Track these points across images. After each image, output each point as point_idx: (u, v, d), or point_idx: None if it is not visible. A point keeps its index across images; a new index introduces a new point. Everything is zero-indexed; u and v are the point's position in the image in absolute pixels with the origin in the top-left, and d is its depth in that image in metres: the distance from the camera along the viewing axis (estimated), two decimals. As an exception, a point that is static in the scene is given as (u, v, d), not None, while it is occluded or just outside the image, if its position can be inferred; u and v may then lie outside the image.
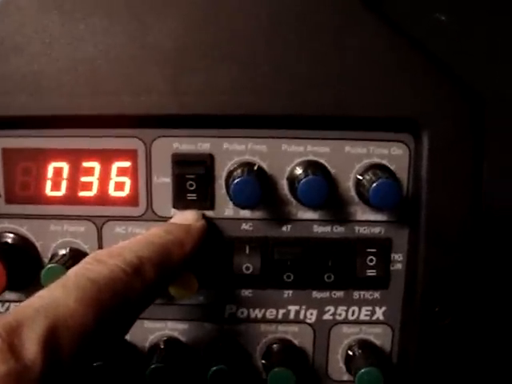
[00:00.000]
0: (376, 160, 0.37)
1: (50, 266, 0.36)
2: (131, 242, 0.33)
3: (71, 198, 0.38)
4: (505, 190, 0.47)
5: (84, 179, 0.38)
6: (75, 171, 0.38)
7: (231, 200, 0.35)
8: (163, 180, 0.38)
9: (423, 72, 0.36)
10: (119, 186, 0.38)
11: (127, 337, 0.40)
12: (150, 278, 0.31)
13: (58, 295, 0.26)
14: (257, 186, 0.34)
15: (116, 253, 0.31)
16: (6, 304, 0.40)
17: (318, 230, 0.38)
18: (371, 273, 0.38)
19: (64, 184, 0.38)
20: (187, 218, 0.37)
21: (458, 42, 0.60)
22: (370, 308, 0.40)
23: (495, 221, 0.47)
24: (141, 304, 0.31)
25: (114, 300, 0.28)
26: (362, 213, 0.38)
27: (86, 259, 0.31)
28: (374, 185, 0.34)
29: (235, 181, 0.34)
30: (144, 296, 0.31)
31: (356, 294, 0.39)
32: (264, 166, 0.37)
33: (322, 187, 0.35)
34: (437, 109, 0.36)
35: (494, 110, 0.57)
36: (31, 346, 0.23)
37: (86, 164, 0.38)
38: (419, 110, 0.36)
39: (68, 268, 0.36)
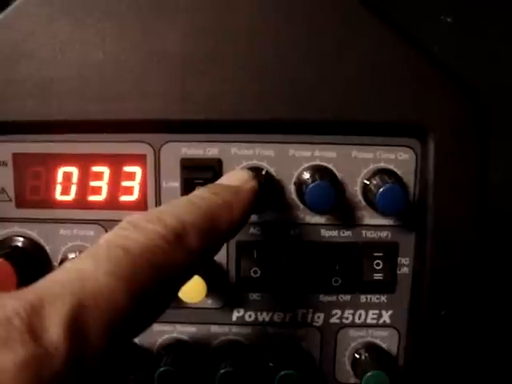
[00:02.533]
0: (383, 165, 0.37)
1: (60, 269, 0.37)
2: (172, 204, 0.29)
3: (81, 203, 0.39)
4: (511, 194, 0.48)
5: (93, 184, 0.39)
6: (84, 176, 0.39)
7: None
8: (172, 185, 0.38)
9: (429, 77, 0.36)
10: (128, 191, 0.39)
11: (136, 339, 0.41)
12: (193, 246, 0.26)
13: (87, 268, 0.23)
14: (265, 191, 0.35)
15: (155, 216, 0.27)
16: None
17: (326, 234, 0.38)
18: (378, 277, 0.39)
19: (73, 188, 0.39)
20: (236, 178, 0.34)
21: (464, 47, 0.60)
22: (376, 311, 0.40)
23: (502, 225, 0.48)
24: (182, 278, 0.27)
25: (152, 273, 0.24)
26: (369, 217, 0.38)
27: (121, 223, 0.27)
28: (381, 190, 0.35)
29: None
30: (186, 268, 0.26)
31: (363, 298, 0.40)
32: (272, 170, 0.38)
33: (329, 192, 0.35)
34: (442, 114, 0.36)
35: (499, 115, 0.58)
36: (54, 329, 0.20)
37: (95, 169, 0.38)
38: (425, 115, 0.36)
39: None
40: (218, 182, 0.34)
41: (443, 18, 0.69)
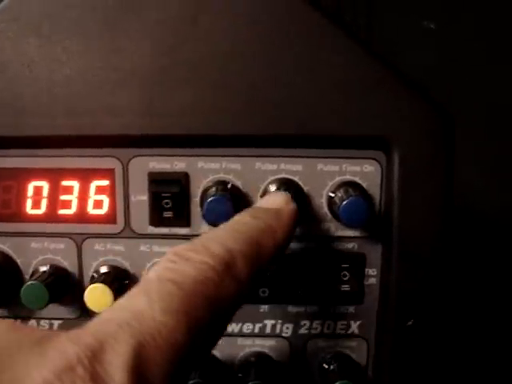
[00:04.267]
0: (348, 177, 0.38)
1: (29, 283, 0.37)
2: (216, 231, 0.29)
3: (51, 216, 0.39)
4: (476, 205, 0.48)
5: (63, 197, 0.39)
6: (55, 190, 0.39)
7: (204, 218, 0.36)
8: (140, 198, 0.39)
9: (393, 90, 0.36)
10: (98, 204, 0.39)
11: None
12: (242, 274, 0.26)
13: (142, 306, 0.22)
14: (229, 205, 0.35)
15: (201, 246, 0.26)
16: (-11, 320, 0.41)
17: (292, 245, 0.39)
18: (345, 288, 0.39)
19: (44, 202, 0.39)
20: (275, 201, 0.33)
21: (429, 60, 0.61)
22: (345, 322, 0.40)
23: (467, 236, 0.48)
24: (234, 307, 0.26)
25: (206, 307, 0.24)
26: (336, 229, 0.39)
27: (169, 256, 0.26)
28: (344, 203, 0.35)
29: (208, 200, 0.35)
30: (238, 298, 0.26)
31: (331, 309, 0.40)
32: (238, 184, 0.38)
33: (293, 205, 0.35)
34: (407, 127, 0.36)
35: (478, 121, 0.58)
36: (118, 376, 0.20)
37: (64, 183, 0.39)
38: (389, 128, 0.36)
39: (47, 286, 0.37)
40: (258, 204, 0.34)
41: (426, 24, 0.69)
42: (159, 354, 0.21)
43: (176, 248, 0.27)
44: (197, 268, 0.25)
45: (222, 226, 0.30)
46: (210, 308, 0.24)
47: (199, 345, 0.23)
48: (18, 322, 0.40)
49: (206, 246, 0.26)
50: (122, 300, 0.24)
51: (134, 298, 0.24)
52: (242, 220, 0.30)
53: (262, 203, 0.34)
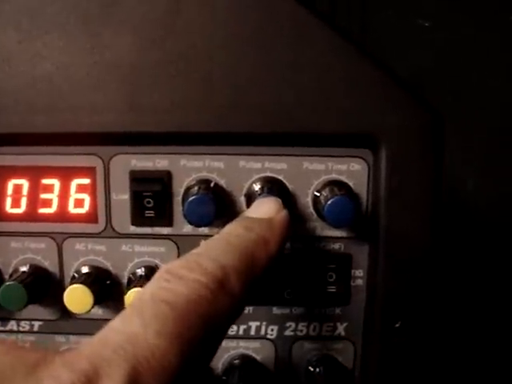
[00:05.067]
0: (334, 176, 0.37)
1: (7, 283, 0.36)
2: (208, 245, 0.29)
3: (31, 215, 0.38)
4: (466, 204, 0.48)
5: (44, 196, 0.38)
6: (35, 188, 0.38)
7: (185, 218, 0.35)
8: (122, 197, 0.38)
9: (381, 88, 0.35)
10: (79, 203, 0.38)
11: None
12: (235, 290, 0.26)
13: (136, 328, 0.22)
14: (211, 204, 0.34)
15: (194, 263, 0.26)
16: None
17: (277, 246, 0.38)
18: (331, 289, 0.38)
19: (24, 201, 0.38)
20: (266, 209, 0.32)
21: (421, 59, 0.60)
22: (331, 324, 0.39)
23: (458, 235, 0.47)
24: (228, 322, 0.26)
25: (200, 325, 0.24)
26: (321, 229, 0.38)
27: (162, 274, 0.26)
28: (329, 202, 0.34)
29: (189, 199, 0.34)
30: (232, 313, 0.26)
31: (317, 310, 0.39)
32: (222, 182, 0.37)
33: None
34: (395, 124, 0.36)
35: (471, 120, 0.57)
36: None
37: (45, 181, 0.38)
38: (377, 126, 0.36)
39: (27, 286, 0.36)
40: (249, 213, 0.33)
41: (421, 22, 0.68)
42: (153, 377, 0.21)
43: (169, 265, 0.27)
44: (190, 287, 0.25)
45: (214, 238, 0.30)
46: (204, 326, 0.24)
47: (194, 363, 0.23)
48: (10, 341, 0.40)
49: (198, 263, 0.26)
50: (116, 321, 0.24)
51: (127, 319, 0.24)
52: (234, 232, 0.30)
53: (253, 211, 0.33)
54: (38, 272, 0.38)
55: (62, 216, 0.38)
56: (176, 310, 0.23)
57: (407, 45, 0.62)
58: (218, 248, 0.28)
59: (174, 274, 0.26)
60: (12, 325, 0.40)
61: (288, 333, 0.40)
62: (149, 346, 0.22)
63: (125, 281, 0.39)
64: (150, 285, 0.26)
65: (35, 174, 0.38)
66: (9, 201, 0.38)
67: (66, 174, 0.38)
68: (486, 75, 0.59)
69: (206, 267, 0.26)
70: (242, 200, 0.37)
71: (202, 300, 0.24)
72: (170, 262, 0.27)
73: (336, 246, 0.38)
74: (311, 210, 0.37)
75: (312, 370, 0.39)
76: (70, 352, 0.22)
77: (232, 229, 0.30)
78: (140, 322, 0.23)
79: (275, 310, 0.39)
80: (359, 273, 0.38)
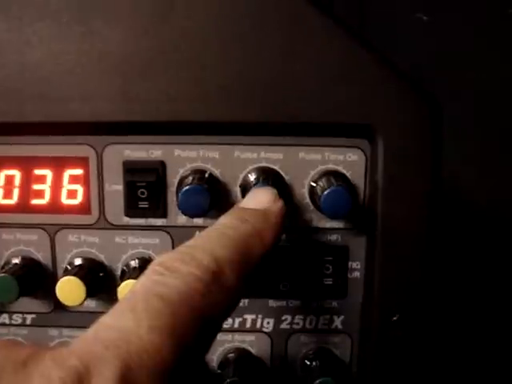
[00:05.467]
0: (331, 166, 0.36)
1: (-2, 275, 0.36)
2: (202, 237, 0.28)
3: (23, 206, 0.38)
4: (464, 196, 0.47)
5: (36, 187, 0.38)
6: (27, 179, 0.37)
7: (179, 209, 0.34)
8: (115, 188, 0.37)
9: (378, 77, 0.35)
10: (71, 194, 0.38)
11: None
12: (230, 282, 0.25)
13: (128, 324, 0.22)
14: (206, 195, 0.34)
15: (188, 256, 0.26)
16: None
17: (273, 237, 0.37)
18: (328, 281, 0.38)
19: (16, 192, 0.38)
20: (261, 199, 0.32)
21: (419, 50, 0.60)
22: (328, 317, 0.39)
23: (456, 227, 0.47)
24: (223, 315, 0.26)
25: (194, 319, 0.23)
26: (318, 220, 0.37)
27: (154, 267, 0.25)
28: (325, 192, 0.34)
29: (183, 189, 0.34)
30: (227, 305, 0.26)
31: (313, 303, 0.39)
32: (216, 173, 0.37)
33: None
34: (393, 114, 0.35)
35: (468, 115, 0.57)
36: None
37: (37, 172, 0.37)
38: (374, 116, 0.35)
39: (18, 278, 0.36)
40: (244, 203, 0.33)
41: (419, 16, 0.68)
42: (146, 373, 0.21)
43: (162, 258, 0.26)
44: (184, 280, 0.24)
45: (209, 229, 0.29)
46: (198, 320, 0.23)
47: (188, 358, 0.23)
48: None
49: (192, 256, 0.26)
50: (108, 316, 0.23)
51: (119, 314, 0.23)
52: (229, 224, 0.29)
53: (248, 202, 0.33)
54: (30, 264, 0.38)
55: (55, 207, 0.38)
56: (169, 304, 0.23)
57: (405, 38, 0.61)
58: (213, 240, 0.28)
59: (168, 266, 0.25)
60: (4, 318, 0.40)
61: (284, 326, 0.39)
62: (141, 341, 0.21)
63: (118, 273, 0.38)
64: (143, 278, 0.25)
65: (27, 164, 0.37)
66: (0, 192, 0.38)
67: (58, 164, 0.37)
68: (485, 67, 0.58)
69: (200, 260, 0.25)
70: (237, 191, 0.37)
71: (196, 293, 0.24)
72: (164, 255, 0.26)
73: (333, 237, 0.38)
74: (307, 200, 0.37)
75: (308, 363, 0.39)
76: (60, 348, 0.21)
77: (227, 220, 0.30)
78: (132, 316, 0.22)
79: (271, 303, 0.39)
80: (356, 265, 0.38)
